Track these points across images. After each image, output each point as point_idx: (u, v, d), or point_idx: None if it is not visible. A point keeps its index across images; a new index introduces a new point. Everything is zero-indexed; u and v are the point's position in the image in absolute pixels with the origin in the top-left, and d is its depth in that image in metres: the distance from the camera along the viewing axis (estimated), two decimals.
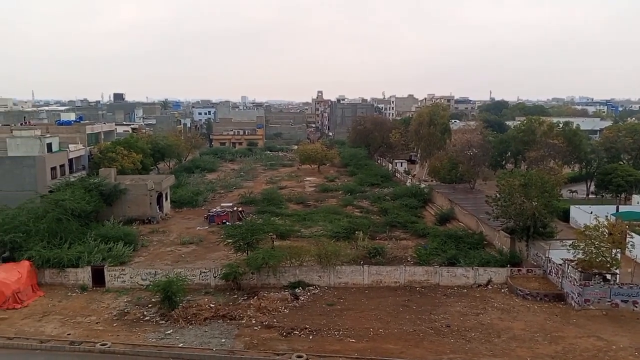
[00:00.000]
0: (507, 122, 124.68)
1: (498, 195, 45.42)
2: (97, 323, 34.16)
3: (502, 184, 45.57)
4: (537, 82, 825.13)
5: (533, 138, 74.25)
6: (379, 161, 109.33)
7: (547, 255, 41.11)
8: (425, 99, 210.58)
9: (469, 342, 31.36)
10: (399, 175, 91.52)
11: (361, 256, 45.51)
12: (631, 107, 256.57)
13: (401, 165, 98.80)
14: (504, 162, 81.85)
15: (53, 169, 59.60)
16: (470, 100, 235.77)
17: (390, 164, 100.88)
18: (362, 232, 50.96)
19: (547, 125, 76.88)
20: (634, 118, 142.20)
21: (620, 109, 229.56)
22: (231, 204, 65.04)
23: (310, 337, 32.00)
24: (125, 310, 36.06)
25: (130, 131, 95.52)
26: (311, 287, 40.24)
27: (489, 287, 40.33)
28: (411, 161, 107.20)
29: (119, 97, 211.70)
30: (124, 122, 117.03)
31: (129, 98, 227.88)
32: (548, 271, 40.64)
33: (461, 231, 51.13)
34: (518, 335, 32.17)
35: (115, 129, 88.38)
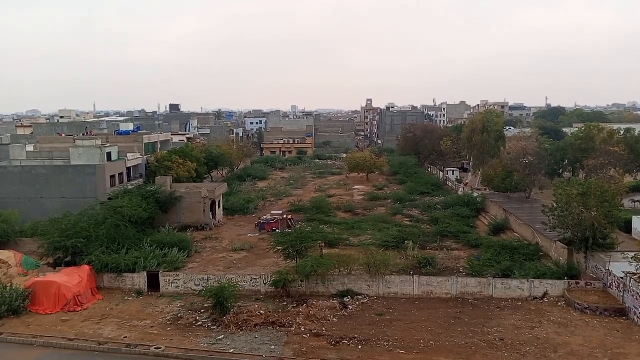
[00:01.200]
0: (564, 129, 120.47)
1: (555, 205, 43.88)
2: (152, 327, 35.21)
3: (560, 193, 44.01)
4: (596, 87, 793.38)
5: (592, 145, 71.42)
6: (429, 169, 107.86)
7: (607, 268, 39.31)
8: (478, 105, 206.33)
9: (524, 356, 30.35)
10: (450, 184, 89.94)
11: (411, 266, 44.95)
12: None
13: (453, 174, 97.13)
14: (561, 170, 79.03)
15: (112, 177, 62.14)
16: (525, 107, 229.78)
17: (441, 172, 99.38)
18: (412, 241, 50.34)
19: (607, 132, 73.80)
20: None
21: None
22: (281, 212, 65.76)
23: (360, 347, 31.82)
24: (179, 315, 37.00)
25: (186, 141, 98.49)
26: (360, 297, 40.04)
27: (545, 300, 38.92)
28: (463, 169, 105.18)
29: (174, 107, 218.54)
30: (180, 132, 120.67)
31: (184, 109, 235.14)
32: (609, 284, 38.82)
33: (516, 242, 49.61)
34: (576, 351, 30.87)
35: (171, 138, 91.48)
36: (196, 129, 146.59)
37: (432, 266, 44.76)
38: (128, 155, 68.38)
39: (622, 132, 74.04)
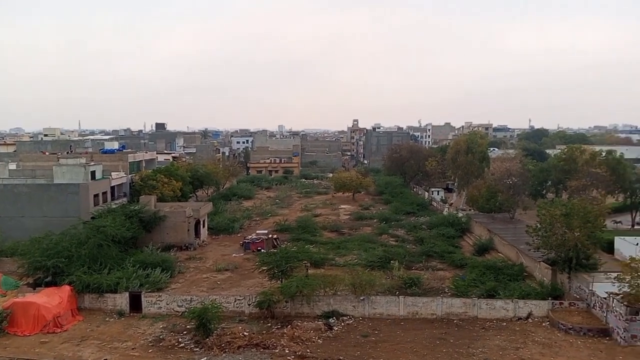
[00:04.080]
0: (548, 151, 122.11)
1: (539, 225, 44.27)
2: (133, 349, 34.59)
3: (543, 214, 44.43)
4: (578, 109, 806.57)
5: (574, 167, 72.32)
6: (414, 189, 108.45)
7: (590, 288, 39.58)
8: (463, 127, 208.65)
9: None
10: (435, 204, 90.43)
11: (396, 286, 44.84)
12: None
13: (438, 194, 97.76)
14: (544, 191, 79.80)
15: (96, 196, 61.46)
16: (509, 129, 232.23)
17: (426, 192, 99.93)
18: (398, 261, 50.30)
19: (589, 153, 74.79)
20: None
21: None
22: (266, 231, 65.44)
23: None
24: (161, 337, 36.42)
25: (171, 160, 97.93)
26: (345, 317, 39.76)
27: (530, 320, 39.04)
28: (448, 190, 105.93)
29: (160, 126, 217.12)
30: (165, 151, 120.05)
31: (170, 128, 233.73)
32: (592, 305, 39.07)
33: (500, 262, 49.84)
34: None
35: (157, 157, 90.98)
36: (182, 148, 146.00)
37: (418, 286, 44.63)
38: (112, 174, 67.82)
39: (603, 154, 74.95)
